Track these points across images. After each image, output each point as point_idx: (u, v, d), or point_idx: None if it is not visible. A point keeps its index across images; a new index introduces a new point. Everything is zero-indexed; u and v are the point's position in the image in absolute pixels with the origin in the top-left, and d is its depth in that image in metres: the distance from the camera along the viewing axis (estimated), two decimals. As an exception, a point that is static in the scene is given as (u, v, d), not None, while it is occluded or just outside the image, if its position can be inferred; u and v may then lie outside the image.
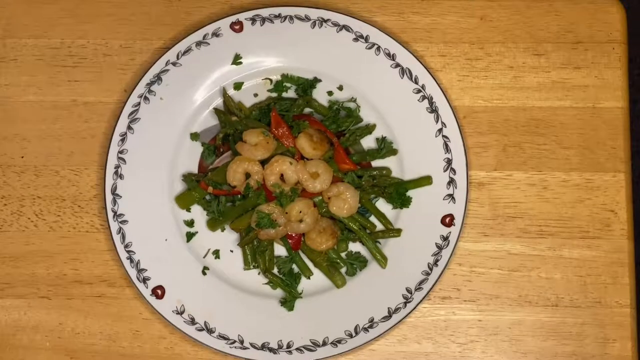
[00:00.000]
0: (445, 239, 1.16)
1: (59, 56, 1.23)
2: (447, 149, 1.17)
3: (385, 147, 1.19)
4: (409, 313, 1.15)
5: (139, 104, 1.18)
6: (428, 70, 1.18)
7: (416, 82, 1.18)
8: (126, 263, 1.16)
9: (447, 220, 1.16)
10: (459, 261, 1.19)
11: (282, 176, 1.15)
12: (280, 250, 1.19)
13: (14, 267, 1.19)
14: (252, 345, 1.15)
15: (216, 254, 1.19)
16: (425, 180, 1.17)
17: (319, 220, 1.16)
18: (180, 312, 1.16)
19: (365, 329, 1.15)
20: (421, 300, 1.15)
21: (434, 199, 1.17)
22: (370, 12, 1.23)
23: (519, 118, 1.21)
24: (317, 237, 1.15)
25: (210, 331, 1.15)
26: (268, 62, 1.21)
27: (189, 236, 1.19)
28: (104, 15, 1.23)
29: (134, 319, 1.19)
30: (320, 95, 1.21)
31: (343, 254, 1.18)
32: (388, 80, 1.19)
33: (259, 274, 1.18)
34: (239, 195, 1.16)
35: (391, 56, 1.18)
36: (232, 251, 1.19)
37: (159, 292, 1.16)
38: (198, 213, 1.19)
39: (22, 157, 1.21)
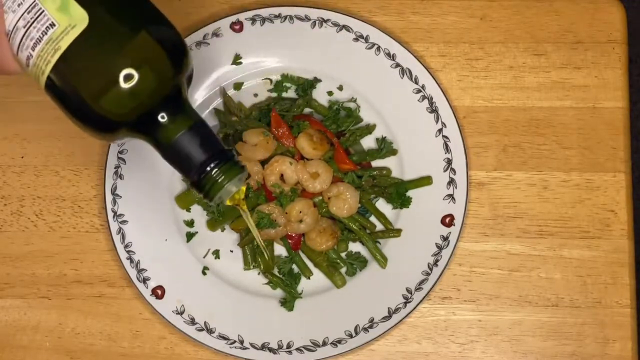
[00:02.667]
0: (445, 239, 1.16)
1: (59, 56, 1.22)
2: (447, 149, 1.17)
3: (385, 147, 1.19)
4: (409, 313, 1.15)
5: (139, 104, 1.18)
6: (428, 70, 1.18)
7: (416, 82, 1.18)
8: (126, 263, 1.16)
9: (447, 220, 1.16)
10: (459, 261, 1.19)
11: (282, 176, 1.15)
12: (280, 250, 1.19)
13: (14, 267, 1.19)
14: (252, 345, 1.15)
15: (216, 254, 1.19)
16: (425, 180, 1.17)
17: (319, 220, 1.16)
18: (180, 312, 1.16)
19: (365, 329, 1.15)
20: (421, 301, 1.15)
21: (434, 199, 1.17)
22: (370, 12, 1.23)
23: (519, 118, 1.21)
24: (317, 237, 1.15)
25: (210, 331, 1.15)
26: (268, 62, 1.20)
27: (189, 236, 1.19)
28: (104, 15, 1.23)
29: (134, 319, 1.18)
30: (320, 95, 1.21)
31: (343, 254, 1.18)
32: (388, 80, 1.19)
33: (259, 274, 1.18)
34: (239, 195, 1.16)
35: (391, 56, 1.18)
36: (232, 251, 1.19)
37: (159, 292, 1.16)
38: (198, 213, 1.19)
39: (22, 157, 1.21)
